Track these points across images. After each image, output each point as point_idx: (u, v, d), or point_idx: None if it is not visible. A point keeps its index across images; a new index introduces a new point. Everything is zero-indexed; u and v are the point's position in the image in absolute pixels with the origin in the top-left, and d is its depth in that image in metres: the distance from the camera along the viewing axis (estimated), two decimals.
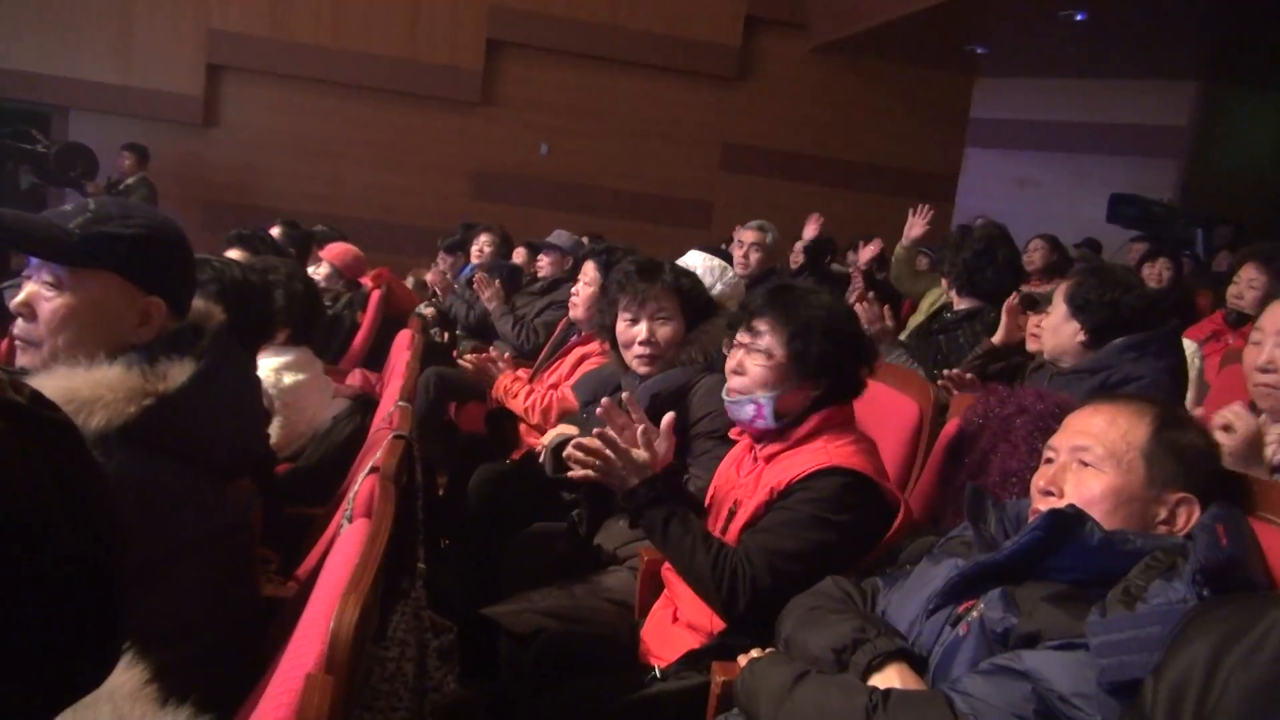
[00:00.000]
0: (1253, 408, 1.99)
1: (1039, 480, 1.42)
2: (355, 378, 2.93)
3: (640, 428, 1.81)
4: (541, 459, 2.42)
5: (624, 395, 1.85)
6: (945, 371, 2.63)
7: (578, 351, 3.20)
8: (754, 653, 1.47)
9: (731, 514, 1.80)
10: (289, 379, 2.50)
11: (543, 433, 3.01)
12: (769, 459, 1.79)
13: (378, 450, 1.68)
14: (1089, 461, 1.36)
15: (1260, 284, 3.40)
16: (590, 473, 1.76)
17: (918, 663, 1.32)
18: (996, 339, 2.98)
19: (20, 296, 1.36)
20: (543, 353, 3.62)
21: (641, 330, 2.27)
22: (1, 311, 2.32)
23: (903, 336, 3.75)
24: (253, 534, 1.58)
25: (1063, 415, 1.50)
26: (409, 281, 6.26)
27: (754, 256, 4.23)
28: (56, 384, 1.24)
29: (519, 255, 6.00)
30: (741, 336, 1.81)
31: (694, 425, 2.15)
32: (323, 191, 8.95)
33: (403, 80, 9.03)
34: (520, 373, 3.51)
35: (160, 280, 1.39)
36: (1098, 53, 8.39)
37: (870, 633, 1.34)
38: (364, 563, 1.18)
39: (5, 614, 0.50)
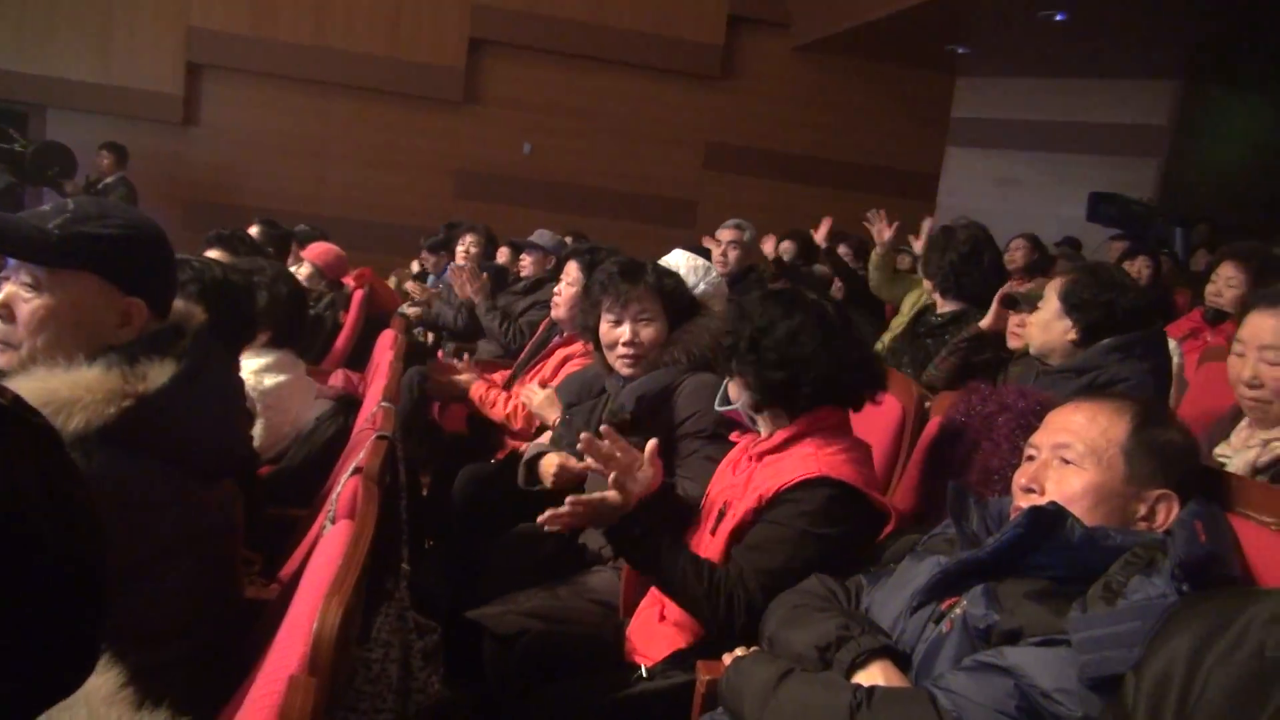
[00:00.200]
0: (1236, 412, 2.02)
1: (1020, 478, 1.43)
2: (338, 378, 2.91)
3: (620, 450, 1.78)
4: (522, 463, 2.41)
5: (602, 428, 1.81)
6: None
7: (561, 353, 3.19)
8: (739, 651, 1.47)
9: (721, 515, 1.80)
10: (270, 381, 2.48)
11: (526, 437, 3.02)
12: (760, 457, 1.79)
13: (360, 451, 1.68)
14: (1070, 459, 1.37)
15: (1238, 282, 3.44)
16: (562, 529, 1.75)
17: (901, 660, 1.33)
18: (984, 323, 3.00)
19: None
20: (524, 353, 3.60)
21: (625, 331, 2.27)
22: None
23: (886, 339, 3.77)
24: (235, 536, 1.57)
25: (1044, 413, 1.51)
26: (391, 281, 6.23)
27: (732, 254, 4.26)
28: (35, 385, 1.23)
29: (502, 255, 5.99)
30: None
31: (679, 426, 2.15)
32: (304, 191, 8.90)
33: (385, 79, 8.99)
34: (494, 377, 3.50)
35: (140, 281, 1.38)
36: (1078, 52, 8.45)
37: (854, 630, 1.35)
38: (347, 564, 1.18)
39: None
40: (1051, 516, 1.26)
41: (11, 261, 1.35)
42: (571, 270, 3.24)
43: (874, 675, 1.29)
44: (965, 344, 3.00)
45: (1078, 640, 1.11)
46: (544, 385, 3.07)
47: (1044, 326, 2.36)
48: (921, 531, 1.59)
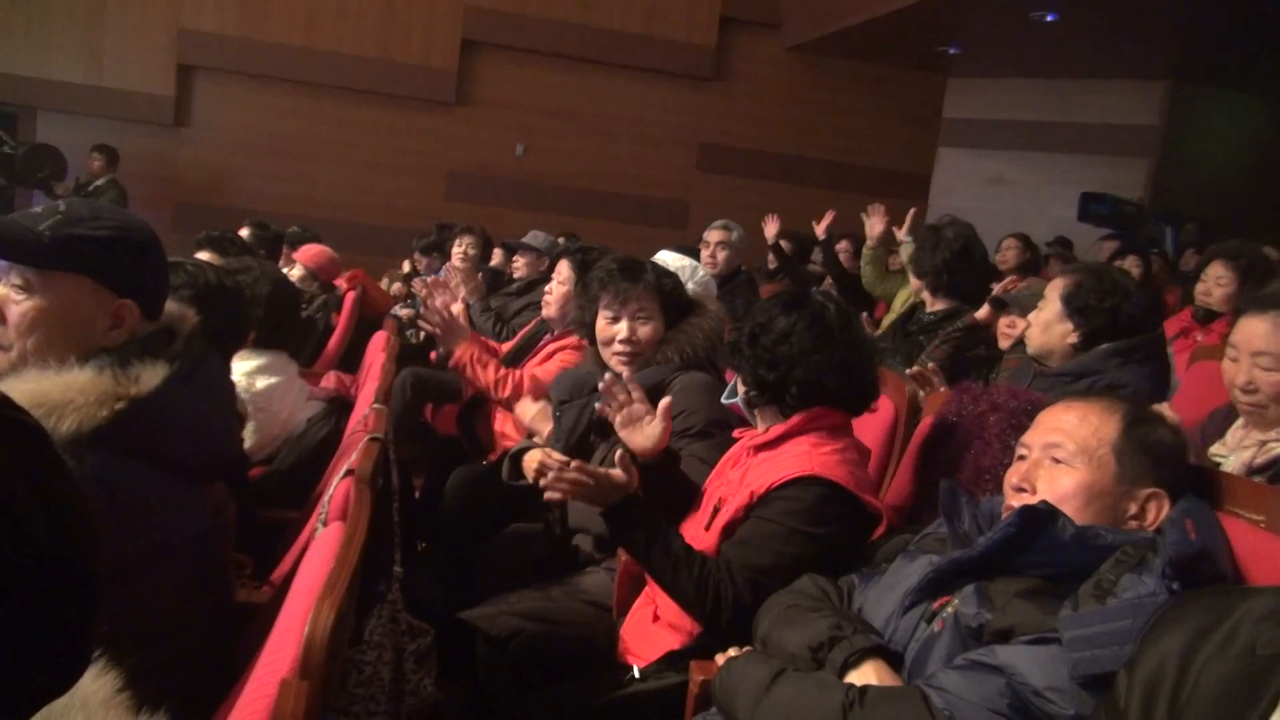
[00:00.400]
0: (1229, 413, 2.03)
1: (1012, 477, 1.43)
2: (330, 380, 2.90)
3: (618, 455, 1.79)
4: (505, 466, 2.41)
5: (625, 376, 1.84)
6: (910, 371, 2.64)
7: (552, 345, 3.19)
8: (731, 651, 1.47)
9: (716, 510, 1.81)
10: (262, 383, 2.47)
11: (502, 404, 3.01)
12: (755, 452, 1.80)
13: (353, 453, 1.68)
14: (1061, 458, 1.37)
15: (1227, 281, 3.45)
16: (562, 496, 1.76)
17: (894, 659, 1.33)
18: (980, 314, 3.01)
19: None
20: (511, 346, 3.59)
21: (622, 329, 2.27)
22: None
23: (876, 336, 3.77)
24: (227, 538, 1.57)
25: (1035, 413, 1.52)
26: (384, 283, 6.22)
27: (721, 255, 4.28)
28: (26, 387, 1.22)
29: (495, 257, 5.99)
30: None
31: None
32: (296, 192, 8.88)
33: (376, 80, 8.98)
34: (496, 346, 3.49)
35: (132, 283, 1.38)
36: (1068, 53, 8.48)
37: (846, 630, 1.35)
38: (339, 566, 1.18)
39: None
40: (1043, 515, 1.27)
41: (2, 263, 1.34)
42: (563, 269, 3.24)
43: (866, 675, 1.30)
44: (960, 333, 3.00)
45: (1069, 638, 1.11)
46: (538, 367, 3.07)
47: (1044, 328, 2.35)
48: (914, 530, 1.59)
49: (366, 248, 8.10)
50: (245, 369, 2.44)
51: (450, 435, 3.64)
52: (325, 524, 1.48)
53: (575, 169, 9.51)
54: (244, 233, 4.71)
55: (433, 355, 4.84)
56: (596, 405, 1.96)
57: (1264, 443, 1.88)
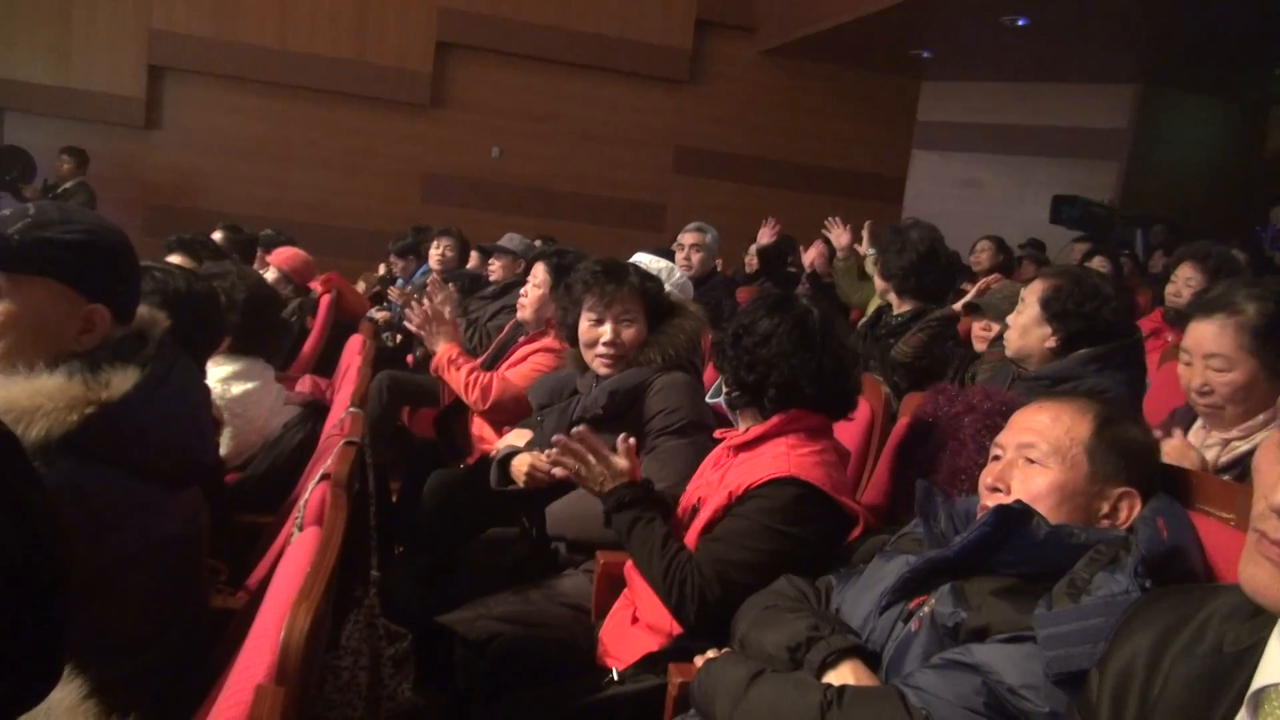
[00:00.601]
0: (1188, 412, 2.06)
1: (987, 477, 1.44)
2: (305, 384, 2.88)
3: (620, 439, 1.82)
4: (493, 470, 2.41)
5: (575, 430, 1.83)
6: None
7: (525, 349, 3.18)
8: (710, 653, 1.48)
9: (695, 511, 1.82)
10: (238, 388, 2.45)
11: (480, 415, 3.01)
12: (735, 452, 1.82)
13: (329, 457, 1.67)
14: (1034, 458, 1.39)
15: (1197, 282, 3.49)
16: (548, 465, 1.77)
17: (871, 659, 1.34)
18: (957, 306, 3.05)
19: None
20: (488, 353, 3.58)
21: (606, 331, 2.28)
22: None
23: None
24: (201, 544, 1.55)
25: (1009, 413, 1.53)
26: (360, 286, 6.19)
27: (695, 257, 4.31)
28: None
29: (471, 260, 5.97)
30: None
31: (648, 422, 2.16)
32: (269, 195, 8.81)
33: (350, 82, 8.92)
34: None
35: (103, 287, 1.36)
36: (1040, 57, 8.57)
37: (824, 630, 1.36)
38: (315, 571, 1.17)
39: None
40: (1017, 515, 1.28)
41: None
42: (539, 272, 3.24)
43: (844, 675, 1.30)
44: (936, 323, 3.03)
45: (1043, 637, 1.12)
46: (510, 370, 3.06)
47: (1022, 331, 2.36)
48: (890, 531, 1.60)
49: (341, 251, 8.05)
50: (220, 375, 2.42)
51: (427, 439, 3.62)
52: (301, 529, 1.47)
53: (551, 171, 9.50)
54: (217, 236, 4.66)
55: (410, 358, 4.82)
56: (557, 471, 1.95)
57: (1227, 441, 1.91)
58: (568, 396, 2.44)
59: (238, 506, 2.22)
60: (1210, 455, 1.91)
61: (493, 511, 2.43)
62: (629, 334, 2.29)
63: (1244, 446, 1.87)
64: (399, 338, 5.14)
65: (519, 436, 2.54)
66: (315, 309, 4.46)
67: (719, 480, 1.79)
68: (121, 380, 1.30)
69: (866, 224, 4.28)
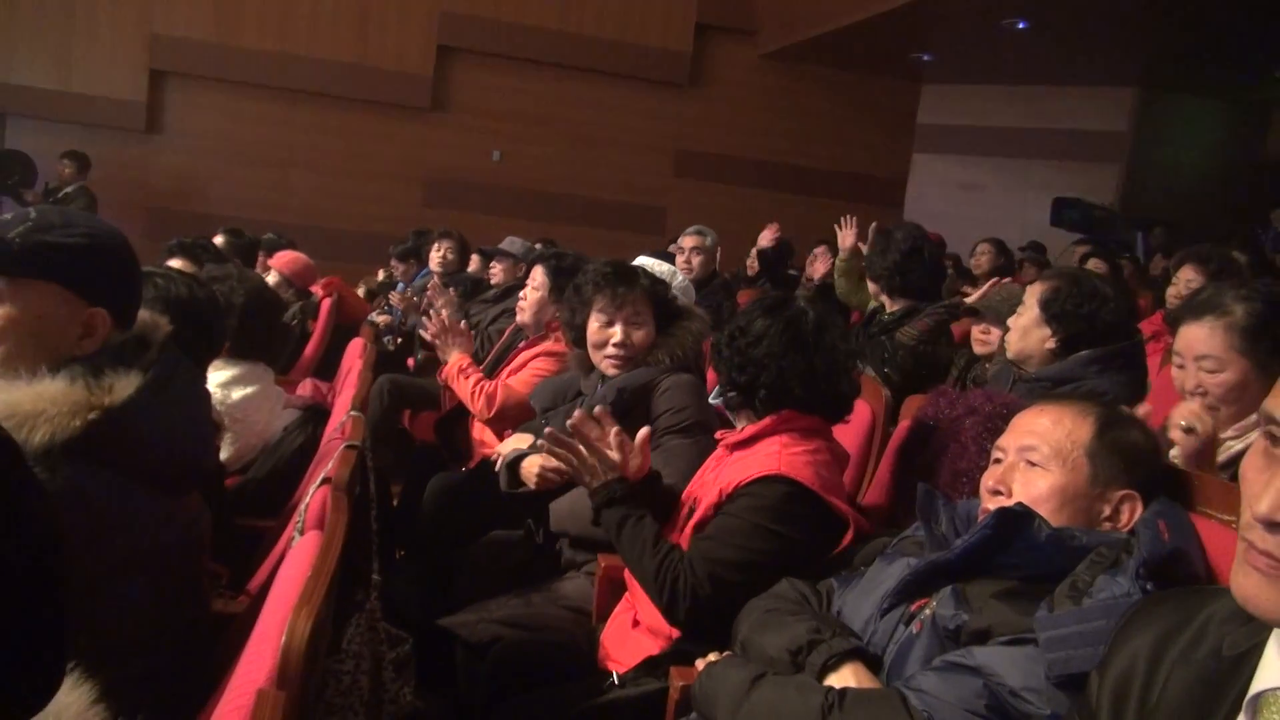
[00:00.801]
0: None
1: (988, 480, 1.44)
2: (306, 387, 2.88)
3: (613, 433, 1.82)
4: (497, 469, 2.41)
5: (597, 409, 1.85)
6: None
7: (526, 354, 3.18)
8: (711, 656, 1.48)
9: (691, 511, 1.82)
10: (238, 394, 2.45)
11: (485, 423, 3.02)
12: (731, 450, 1.83)
13: (329, 461, 1.67)
14: (1036, 461, 1.39)
15: (1198, 284, 3.49)
16: (560, 465, 1.79)
17: (872, 661, 1.34)
18: (972, 300, 3.07)
19: None
20: (489, 358, 3.59)
21: (617, 332, 2.29)
22: None
23: None
24: (202, 549, 1.55)
25: (1010, 416, 1.53)
26: (360, 290, 6.19)
27: (696, 260, 4.33)
28: None
29: (472, 263, 5.97)
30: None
31: (655, 420, 2.17)
32: (270, 199, 8.82)
33: (351, 86, 8.93)
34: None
35: (104, 291, 1.36)
36: (1039, 60, 8.58)
37: (825, 633, 1.36)
38: (316, 575, 1.17)
39: None
40: (1019, 518, 1.28)
41: None
42: (537, 275, 3.25)
43: (845, 677, 1.30)
44: (944, 309, 3.06)
45: (1044, 639, 1.12)
46: (511, 376, 3.08)
47: (1022, 332, 2.37)
48: (892, 534, 1.60)
49: (342, 254, 8.06)
50: (221, 379, 2.42)
51: (428, 442, 3.63)
52: (302, 532, 1.47)
53: (552, 175, 9.51)
54: (219, 240, 4.67)
55: (410, 362, 4.82)
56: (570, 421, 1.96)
57: (1223, 440, 1.91)
58: (572, 399, 2.44)
59: (238, 510, 2.22)
60: None
61: (494, 515, 2.43)
62: (639, 336, 2.31)
63: (1238, 446, 1.87)
64: (400, 341, 5.15)
65: (521, 440, 2.54)
66: (316, 313, 4.46)
67: (714, 479, 1.80)
68: (124, 385, 1.30)
69: (873, 225, 4.29)
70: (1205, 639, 0.85)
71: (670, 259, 4.01)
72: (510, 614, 1.96)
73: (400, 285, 6.10)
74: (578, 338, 2.40)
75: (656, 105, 9.66)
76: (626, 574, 1.89)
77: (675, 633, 1.73)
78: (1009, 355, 2.45)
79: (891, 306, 3.36)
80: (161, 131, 8.78)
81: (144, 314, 1.46)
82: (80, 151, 7.61)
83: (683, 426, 2.14)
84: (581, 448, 1.78)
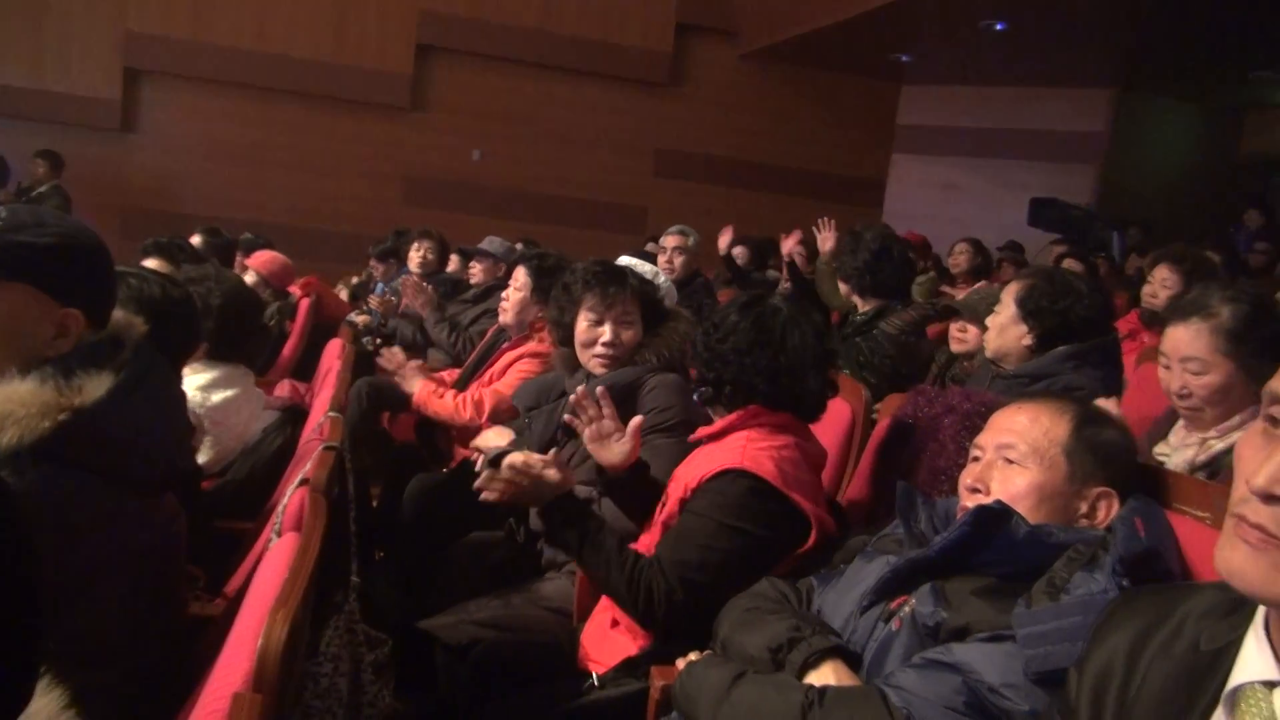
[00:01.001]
0: (1171, 413, 2.08)
1: (966, 478, 1.45)
2: (284, 388, 2.86)
3: (608, 416, 1.84)
4: (478, 468, 2.40)
5: (598, 389, 1.88)
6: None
7: (509, 355, 3.18)
8: (691, 655, 1.48)
9: (663, 505, 1.83)
10: (217, 397, 2.42)
11: (477, 431, 3.01)
12: (703, 444, 1.84)
13: (308, 462, 1.65)
14: (1013, 459, 1.40)
15: (1172, 283, 3.52)
16: (498, 496, 1.77)
17: (852, 659, 1.35)
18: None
19: None
20: (471, 358, 3.57)
21: (606, 331, 2.29)
22: None
23: None
24: (178, 551, 1.54)
25: (988, 414, 1.54)
26: (340, 290, 6.15)
27: (678, 260, 4.36)
28: None
29: (452, 263, 5.94)
30: None
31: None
32: (247, 198, 8.75)
33: (329, 85, 8.88)
34: (443, 375, 3.48)
35: (77, 291, 1.34)
36: (1018, 61, 8.65)
37: (805, 631, 1.36)
38: (294, 577, 1.16)
39: None
40: (997, 515, 1.29)
41: None
42: (520, 275, 3.25)
43: (825, 675, 1.30)
44: (929, 306, 3.11)
45: (1022, 636, 1.13)
46: (493, 382, 3.08)
47: (1000, 330, 2.40)
48: (871, 532, 1.61)
49: (321, 254, 8.01)
50: (200, 382, 2.39)
51: (407, 443, 3.61)
52: (280, 534, 1.46)
53: (532, 174, 9.49)
54: (196, 240, 4.63)
55: None
56: (565, 417, 1.96)
57: (1204, 440, 1.93)
58: (556, 398, 2.44)
59: (215, 512, 2.20)
60: (1189, 454, 1.93)
61: (474, 515, 2.42)
62: (628, 335, 2.31)
63: (1220, 445, 1.90)
64: (379, 342, 5.11)
65: (499, 435, 2.53)
66: (294, 313, 4.43)
67: (682, 474, 1.82)
68: (95, 386, 1.28)
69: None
70: (1183, 634, 0.86)
71: (648, 258, 4.02)
72: (490, 615, 1.95)
73: (379, 286, 6.07)
74: (565, 337, 2.40)
75: (637, 105, 9.67)
76: None
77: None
78: (987, 353, 2.48)
79: (863, 306, 3.39)
80: (136, 130, 8.70)
81: (118, 314, 1.44)
82: (54, 150, 7.54)
83: (668, 425, 2.14)
84: (521, 480, 1.75)
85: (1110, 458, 1.39)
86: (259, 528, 1.89)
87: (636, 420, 1.88)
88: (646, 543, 1.89)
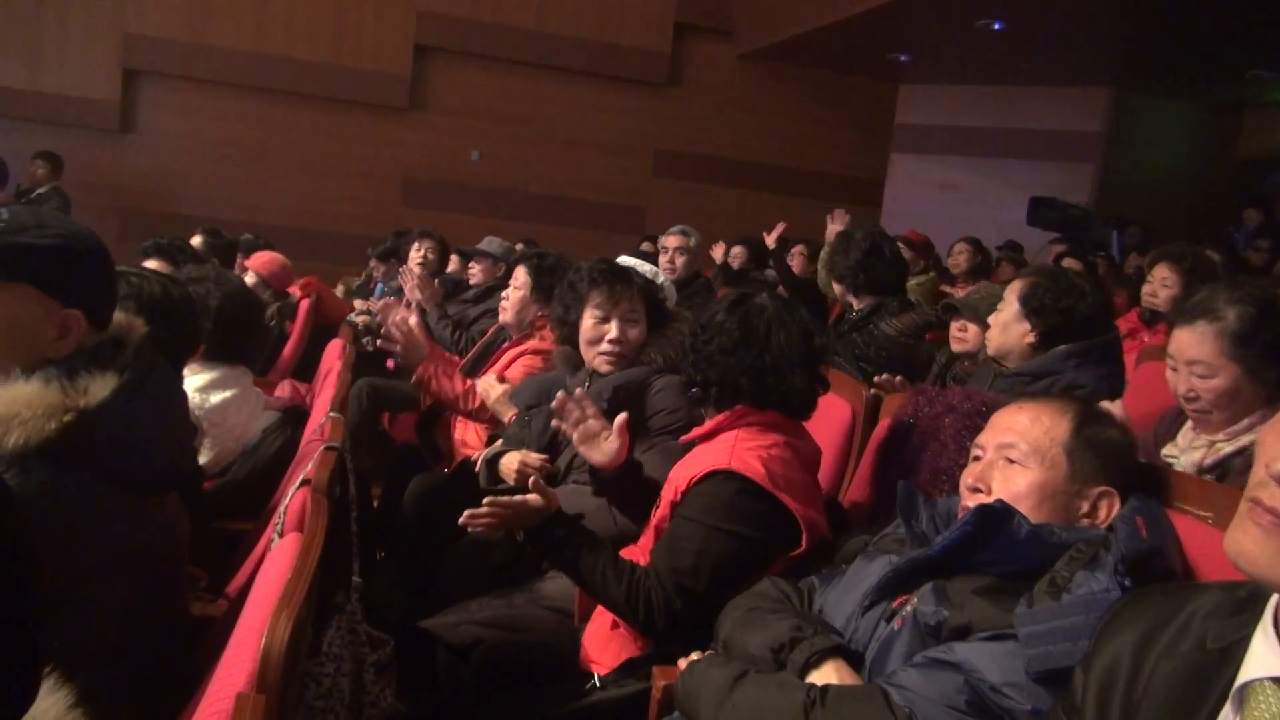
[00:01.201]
0: (1177, 414, 2.08)
1: (967, 477, 1.45)
2: (284, 389, 2.86)
3: (592, 415, 1.84)
4: (477, 469, 2.40)
5: (577, 391, 1.88)
6: (878, 379, 2.73)
7: (512, 352, 3.18)
8: (694, 655, 1.48)
9: (658, 507, 1.83)
10: (216, 398, 2.42)
11: (476, 420, 3.01)
12: (696, 445, 1.84)
13: (309, 463, 1.66)
14: (1014, 458, 1.40)
15: (1172, 282, 3.53)
16: (483, 530, 1.75)
17: (854, 658, 1.35)
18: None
19: None
20: (471, 355, 3.57)
21: (612, 329, 2.30)
22: None
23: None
24: (180, 551, 1.54)
25: (989, 414, 1.54)
26: (339, 290, 6.15)
27: (680, 260, 4.35)
28: None
29: (451, 263, 5.94)
30: None
31: (649, 420, 2.19)
32: (246, 199, 8.76)
33: (328, 85, 8.89)
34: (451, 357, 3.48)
35: (79, 292, 1.34)
36: (1016, 61, 8.65)
37: (807, 631, 1.36)
38: (296, 578, 1.16)
39: None
40: (998, 514, 1.29)
41: None
42: (520, 275, 3.25)
43: (827, 674, 1.31)
44: (933, 312, 3.11)
45: (1024, 635, 1.13)
46: (500, 374, 3.06)
47: (1003, 328, 2.40)
48: (872, 532, 1.61)
49: (321, 255, 8.01)
50: (199, 384, 2.38)
51: (408, 443, 3.61)
52: (281, 535, 1.46)
53: (531, 175, 9.50)
54: (196, 241, 4.62)
55: (389, 363, 4.79)
56: (554, 423, 1.97)
57: (1213, 443, 1.93)
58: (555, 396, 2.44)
59: (217, 513, 2.20)
60: (1196, 457, 1.93)
61: None
62: (634, 333, 2.32)
63: (1228, 448, 1.89)
64: (379, 342, 5.11)
65: (496, 385, 2.55)
66: (294, 313, 4.43)
67: (674, 475, 1.81)
68: (99, 387, 1.28)
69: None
70: (1189, 633, 0.86)
71: (645, 258, 4.02)
72: (492, 615, 1.95)
73: (379, 286, 6.07)
74: (569, 335, 2.40)
75: (635, 105, 9.67)
76: None
77: None
78: (990, 351, 2.48)
79: (858, 304, 3.41)
80: (135, 131, 8.70)
81: (119, 315, 1.44)
82: (53, 152, 7.53)
83: (676, 427, 2.15)
84: (504, 513, 1.72)
85: (1112, 457, 1.39)
86: (260, 528, 1.90)
87: (622, 417, 1.88)
88: (644, 545, 1.89)
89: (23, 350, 1.29)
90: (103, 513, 1.29)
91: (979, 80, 9.50)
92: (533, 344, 3.10)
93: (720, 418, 1.78)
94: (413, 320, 3.09)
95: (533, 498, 1.72)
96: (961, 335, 2.94)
